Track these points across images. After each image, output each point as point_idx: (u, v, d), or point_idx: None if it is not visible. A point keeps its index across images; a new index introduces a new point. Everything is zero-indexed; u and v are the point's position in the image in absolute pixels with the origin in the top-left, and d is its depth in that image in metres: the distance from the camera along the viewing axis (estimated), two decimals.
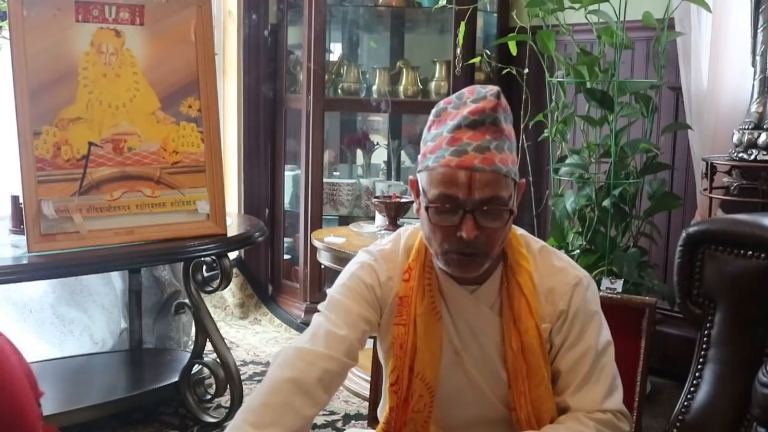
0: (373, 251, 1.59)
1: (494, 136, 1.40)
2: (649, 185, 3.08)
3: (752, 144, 2.72)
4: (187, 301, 2.90)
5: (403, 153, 4.44)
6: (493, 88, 1.44)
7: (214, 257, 2.74)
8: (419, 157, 1.49)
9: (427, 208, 1.43)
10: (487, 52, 4.09)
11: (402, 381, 1.53)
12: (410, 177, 1.55)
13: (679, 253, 1.70)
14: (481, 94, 1.43)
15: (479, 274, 1.50)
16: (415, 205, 1.53)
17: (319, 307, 1.55)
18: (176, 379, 2.92)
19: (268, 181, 4.30)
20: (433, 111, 1.49)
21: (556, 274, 1.54)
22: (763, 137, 2.70)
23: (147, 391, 2.91)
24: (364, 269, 1.56)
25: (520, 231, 1.58)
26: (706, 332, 1.68)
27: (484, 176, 1.39)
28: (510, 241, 1.52)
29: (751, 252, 1.61)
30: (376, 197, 3.43)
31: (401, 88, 4.03)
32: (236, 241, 2.84)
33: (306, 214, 4.00)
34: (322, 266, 3.61)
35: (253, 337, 3.90)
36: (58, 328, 3.22)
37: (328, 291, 1.58)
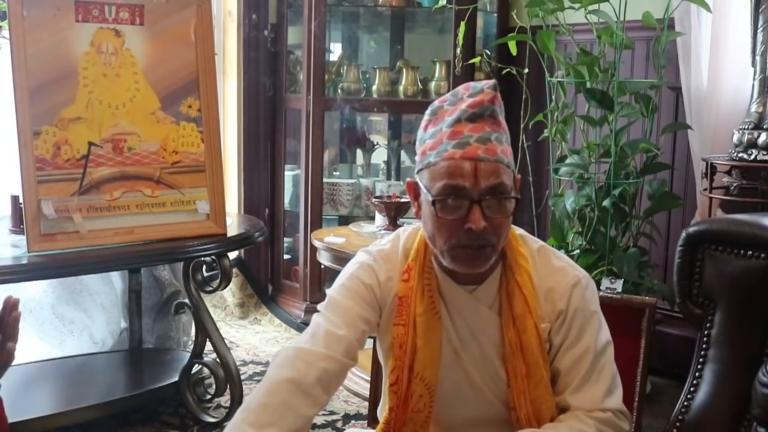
0: (372, 251, 1.59)
1: (493, 128, 1.43)
2: (649, 185, 3.08)
3: (752, 144, 2.73)
4: (187, 301, 2.90)
5: (403, 153, 4.44)
6: (490, 81, 1.47)
7: (214, 257, 2.75)
8: (417, 157, 1.49)
9: (433, 203, 1.43)
10: (487, 52, 4.09)
11: (402, 381, 1.53)
12: (408, 179, 1.55)
13: (679, 253, 1.71)
14: (478, 88, 1.45)
15: (479, 273, 1.50)
16: (413, 208, 1.53)
17: (319, 307, 1.55)
18: (176, 379, 2.92)
19: (268, 181, 4.30)
20: (428, 110, 1.50)
21: (555, 273, 1.54)
22: (763, 137, 2.70)
23: (147, 391, 2.91)
24: (363, 269, 1.56)
25: (519, 231, 1.59)
26: (706, 332, 1.68)
27: (488, 166, 1.41)
28: (509, 240, 1.52)
29: (751, 252, 1.61)
30: (376, 197, 3.42)
31: (401, 88, 4.02)
32: (236, 241, 2.84)
33: (306, 214, 4.00)
34: (322, 266, 3.61)
35: (253, 337, 3.89)
36: (58, 327, 3.22)
37: (328, 291, 1.58)
